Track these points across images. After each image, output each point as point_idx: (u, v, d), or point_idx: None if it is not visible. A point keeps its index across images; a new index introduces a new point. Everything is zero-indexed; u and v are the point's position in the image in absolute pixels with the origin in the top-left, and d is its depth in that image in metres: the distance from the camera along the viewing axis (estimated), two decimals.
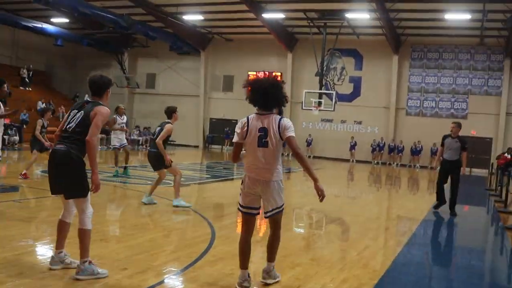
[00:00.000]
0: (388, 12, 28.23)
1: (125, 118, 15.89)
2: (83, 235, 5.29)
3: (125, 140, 15.88)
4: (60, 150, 5.26)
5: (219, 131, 38.17)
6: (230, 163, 26.99)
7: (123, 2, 31.04)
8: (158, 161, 10.20)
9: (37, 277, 5.16)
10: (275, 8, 29.93)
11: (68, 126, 5.35)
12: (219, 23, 34.44)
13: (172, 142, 36.40)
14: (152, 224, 8.33)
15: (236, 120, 37.37)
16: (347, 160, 33.85)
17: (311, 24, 30.67)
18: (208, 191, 14.13)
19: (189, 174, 18.17)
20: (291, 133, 5.16)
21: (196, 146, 38.37)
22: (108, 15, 30.66)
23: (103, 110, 5.35)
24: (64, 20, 34.90)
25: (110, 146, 16.23)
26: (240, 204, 5.34)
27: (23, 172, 12.74)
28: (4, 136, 25.32)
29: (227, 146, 37.61)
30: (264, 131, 5.18)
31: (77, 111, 5.42)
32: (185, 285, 5.37)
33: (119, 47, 39.11)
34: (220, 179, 17.61)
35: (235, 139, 5.29)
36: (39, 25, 33.35)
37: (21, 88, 35.08)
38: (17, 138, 26.05)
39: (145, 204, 10.09)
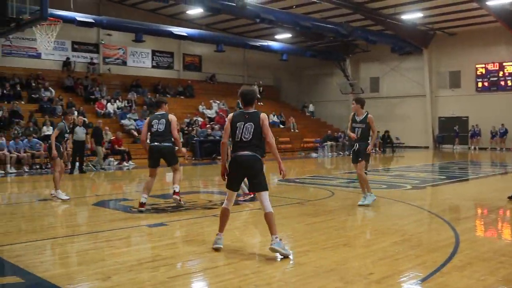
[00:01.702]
0: None
1: None
2: (271, 217, 6.46)
3: None
4: (248, 156, 6.53)
5: (448, 129, 36.64)
6: (464, 162, 25.78)
7: (341, 11, 31.62)
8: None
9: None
10: None
11: (243, 137, 6.53)
12: (439, 18, 33.17)
13: (400, 144, 35.93)
14: (393, 228, 8.32)
15: (467, 117, 35.61)
16: None
17: None
18: (445, 193, 13.65)
19: (422, 176, 17.78)
20: None
21: (426, 147, 37.28)
22: (327, 25, 31.50)
23: (265, 115, 6.68)
24: (287, 35, 36.65)
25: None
26: None
27: None
28: None
29: (458, 145, 36.00)
30: None
31: (243, 123, 6.56)
32: None
33: (341, 54, 39.80)
34: (455, 180, 16.88)
35: None
36: (265, 43, 35.46)
37: None
38: None
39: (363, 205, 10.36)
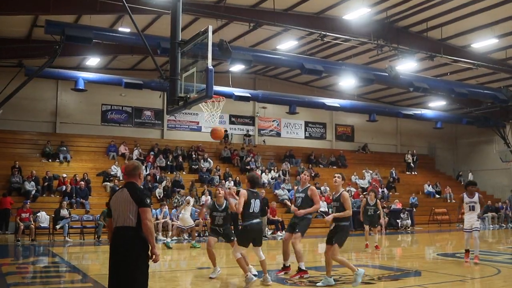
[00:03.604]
0: None
1: None
2: (265, 262, 9.80)
3: None
4: (258, 222, 9.55)
5: None
6: None
7: (499, 75, 30.33)
8: None
9: None
10: None
11: (254, 209, 9.42)
12: None
13: None
14: None
15: None
16: None
17: None
18: None
19: None
20: None
21: None
22: (485, 91, 30.28)
23: None
24: (441, 103, 35.77)
25: None
26: None
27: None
28: (397, 220, 26.84)
29: None
30: None
31: (254, 199, 9.42)
32: None
33: (500, 120, 37.83)
34: None
35: None
36: (418, 111, 34.76)
37: (407, 173, 36.74)
38: (409, 221, 27.14)
39: None
